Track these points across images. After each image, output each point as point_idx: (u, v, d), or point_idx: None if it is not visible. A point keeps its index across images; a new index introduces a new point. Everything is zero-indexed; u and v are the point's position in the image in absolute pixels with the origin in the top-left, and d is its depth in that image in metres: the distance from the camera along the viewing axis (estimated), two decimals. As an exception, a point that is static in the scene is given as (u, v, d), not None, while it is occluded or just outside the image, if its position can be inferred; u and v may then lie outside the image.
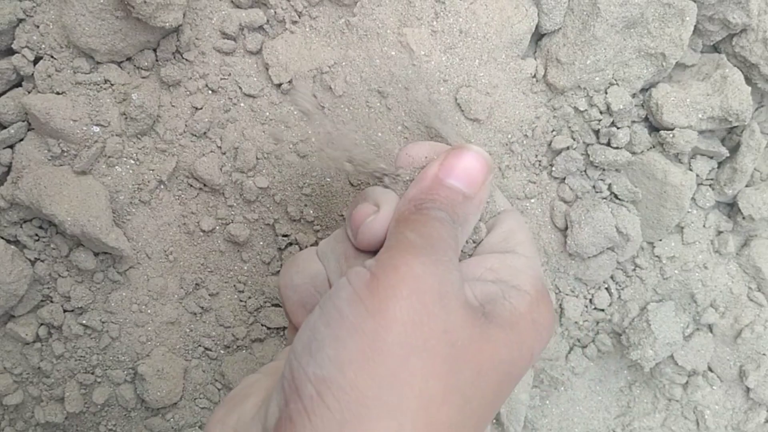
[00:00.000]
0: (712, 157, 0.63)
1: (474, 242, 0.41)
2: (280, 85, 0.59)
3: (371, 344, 0.30)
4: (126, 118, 0.57)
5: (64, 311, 0.60)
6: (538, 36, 0.61)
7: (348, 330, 0.31)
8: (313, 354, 0.31)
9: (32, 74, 0.57)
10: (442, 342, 0.31)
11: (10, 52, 0.57)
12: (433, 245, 0.33)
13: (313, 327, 0.32)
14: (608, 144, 0.61)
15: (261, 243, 0.62)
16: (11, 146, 0.58)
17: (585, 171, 0.62)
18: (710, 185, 0.64)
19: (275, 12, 0.58)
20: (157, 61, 0.58)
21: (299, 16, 0.59)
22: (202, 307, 0.62)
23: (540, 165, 0.62)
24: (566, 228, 0.62)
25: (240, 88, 0.59)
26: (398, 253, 0.32)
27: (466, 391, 0.31)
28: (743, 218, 0.64)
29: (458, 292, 0.33)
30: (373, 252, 0.38)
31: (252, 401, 0.35)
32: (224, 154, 0.59)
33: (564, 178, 0.62)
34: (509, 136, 0.60)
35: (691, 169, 0.62)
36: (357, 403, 0.29)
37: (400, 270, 0.31)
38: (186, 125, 0.59)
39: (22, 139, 0.58)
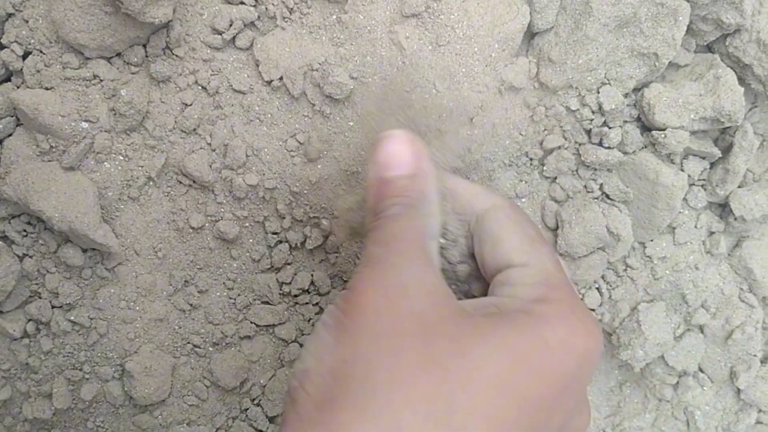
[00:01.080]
0: (704, 158, 0.63)
1: (459, 253, 0.42)
2: (270, 81, 0.58)
3: (344, 335, 0.33)
4: (115, 114, 0.57)
5: (52, 307, 0.60)
6: (531, 35, 0.60)
7: (327, 330, 0.34)
8: (300, 358, 0.34)
9: (21, 69, 0.57)
10: (409, 321, 0.32)
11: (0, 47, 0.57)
12: (390, 248, 0.36)
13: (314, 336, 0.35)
14: (600, 144, 0.60)
15: (251, 240, 0.62)
16: (0, 141, 0.58)
17: (576, 170, 0.62)
18: (702, 186, 0.64)
19: (266, 8, 0.58)
20: (146, 56, 0.58)
21: (290, 12, 0.58)
22: (191, 304, 0.62)
23: (531, 164, 0.62)
24: (557, 227, 0.62)
25: (230, 84, 0.59)
26: (362, 269, 0.35)
27: (448, 363, 0.31)
28: (735, 219, 0.64)
29: (420, 280, 0.34)
30: None
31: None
32: (214, 150, 0.59)
33: (555, 178, 0.62)
34: (500, 134, 0.60)
35: (683, 170, 0.62)
36: (331, 384, 0.31)
37: (365, 282, 0.34)
38: (175, 121, 0.59)
39: (10, 135, 0.58)
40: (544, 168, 0.62)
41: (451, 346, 0.31)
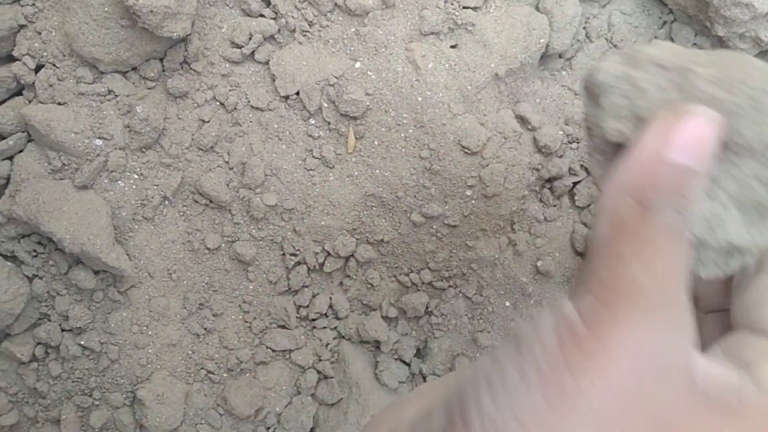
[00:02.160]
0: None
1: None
2: (287, 97, 0.56)
3: (561, 404, 0.25)
4: (130, 130, 0.55)
5: (62, 330, 0.58)
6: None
7: (539, 382, 0.26)
8: (492, 390, 0.27)
9: (33, 83, 0.55)
10: (644, 424, 0.26)
11: (11, 59, 0.55)
12: (665, 290, 0.26)
13: (498, 361, 0.27)
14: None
15: (268, 262, 0.59)
16: (10, 158, 0.56)
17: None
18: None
19: (286, 21, 0.56)
20: (163, 71, 0.56)
21: (310, 26, 0.56)
22: (206, 328, 0.59)
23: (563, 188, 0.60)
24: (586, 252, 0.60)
25: (248, 100, 0.57)
26: (620, 303, 0.25)
27: None
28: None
29: (684, 366, 0.27)
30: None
31: (414, 406, 0.32)
32: (231, 169, 0.57)
33: (588, 206, 0.60)
34: (529, 157, 0.57)
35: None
36: None
37: (621, 332, 0.25)
38: (192, 139, 0.56)
39: (21, 151, 0.56)
40: (575, 197, 0.59)
41: None
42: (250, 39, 0.56)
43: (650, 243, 0.26)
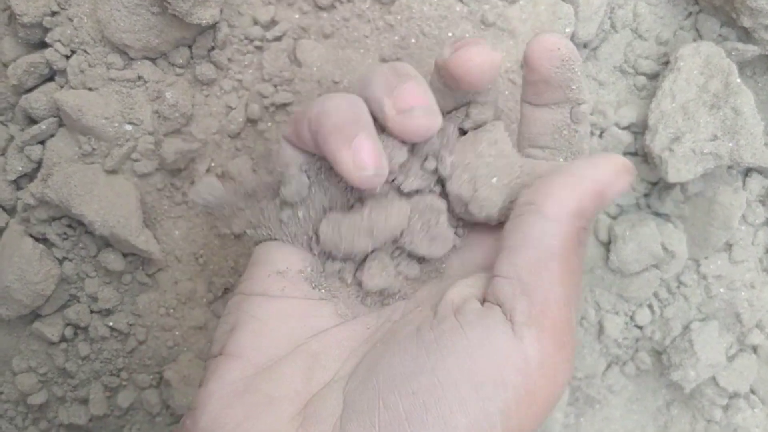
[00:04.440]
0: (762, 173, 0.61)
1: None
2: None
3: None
4: (159, 116, 0.56)
5: (91, 312, 0.59)
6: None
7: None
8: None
9: (65, 69, 0.55)
10: None
11: (43, 45, 0.56)
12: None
13: None
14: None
15: (292, 247, 0.60)
16: (42, 142, 0.57)
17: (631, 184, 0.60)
18: (761, 201, 0.61)
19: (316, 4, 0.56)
20: (192, 58, 0.57)
21: (337, 20, 0.57)
22: (231, 312, 0.60)
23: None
24: (609, 242, 0.60)
25: (275, 87, 0.57)
26: (557, 329, 0.30)
27: None
28: (795, 237, 0.61)
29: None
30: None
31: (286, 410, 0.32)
32: (258, 155, 0.58)
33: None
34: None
35: (744, 187, 0.60)
36: None
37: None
38: (220, 125, 0.57)
39: (53, 135, 0.57)
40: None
41: None
42: (276, 26, 0.56)
43: (576, 259, 0.31)
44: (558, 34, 0.39)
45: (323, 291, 0.37)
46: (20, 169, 0.57)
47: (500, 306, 0.30)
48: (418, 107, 0.33)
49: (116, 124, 0.55)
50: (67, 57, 0.55)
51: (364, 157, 0.32)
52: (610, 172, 0.31)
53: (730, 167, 0.59)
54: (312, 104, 0.35)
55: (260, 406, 0.32)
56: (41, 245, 0.56)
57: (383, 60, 0.56)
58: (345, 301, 0.37)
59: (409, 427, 0.28)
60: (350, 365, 0.33)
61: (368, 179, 0.32)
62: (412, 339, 0.31)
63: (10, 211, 0.59)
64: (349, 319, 0.36)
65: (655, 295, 0.63)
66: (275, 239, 0.39)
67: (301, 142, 0.36)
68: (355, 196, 0.37)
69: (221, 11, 0.54)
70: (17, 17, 0.54)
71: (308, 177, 0.37)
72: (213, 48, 0.56)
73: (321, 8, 0.56)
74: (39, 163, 0.57)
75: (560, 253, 0.30)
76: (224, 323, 0.37)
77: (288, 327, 0.35)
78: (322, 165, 0.37)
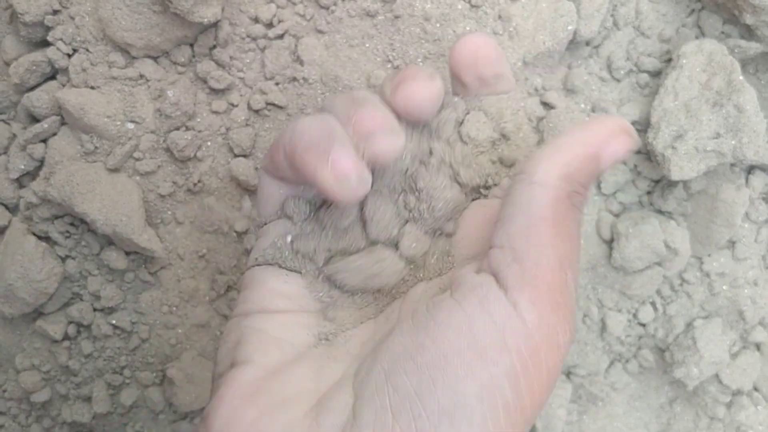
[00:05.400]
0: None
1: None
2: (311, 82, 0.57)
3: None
4: (161, 114, 0.56)
5: (94, 310, 0.59)
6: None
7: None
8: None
9: (67, 67, 0.56)
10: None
11: (45, 44, 0.56)
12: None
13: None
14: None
15: (294, 245, 0.60)
16: (44, 141, 0.57)
17: (633, 182, 0.60)
18: (764, 198, 0.61)
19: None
20: (193, 56, 0.57)
21: (341, 17, 0.57)
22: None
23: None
24: (612, 240, 0.60)
25: (277, 85, 0.57)
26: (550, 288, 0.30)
27: None
28: (798, 234, 0.61)
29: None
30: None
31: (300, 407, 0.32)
32: (260, 154, 0.58)
33: (614, 193, 0.60)
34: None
35: (746, 184, 0.59)
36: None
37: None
38: (221, 123, 0.57)
39: (55, 134, 0.57)
40: (602, 184, 0.59)
41: None
42: (278, 24, 0.56)
43: (569, 225, 0.31)
44: (479, 33, 0.40)
45: (322, 297, 0.37)
46: (23, 167, 0.57)
47: (495, 276, 0.30)
48: (378, 131, 0.33)
49: (118, 123, 0.55)
50: (69, 55, 0.56)
51: (343, 167, 0.32)
52: (603, 134, 0.31)
53: (732, 165, 0.59)
54: (284, 131, 0.35)
55: (273, 405, 0.32)
56: (44, 243, 0.57)
57: (386, 59, 0.56)
58: (342, 308, 0.37)
59: (419, 401, 0.28)
60: (358, 364, 0.34)
61: (351, 190, 0.32)
62: (409, 322, 0.31)
63: (13, 210, 0.59)
64: (350, 328, 0.37)
65: (658, 292, 0.63)
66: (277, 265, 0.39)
67: (278, 171, 0.36)
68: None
69: (223, 9, 0.54)
70: (19, 16, 0.54)
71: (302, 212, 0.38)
72: (215, 46, 0.56)
73: (322, 6, 0.56)
74: (41, 162, 0.57)
75: (550, 216, 0.30)
76: (226, 342, 0.37)
77: (292, 336, 0.36)
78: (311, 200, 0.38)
